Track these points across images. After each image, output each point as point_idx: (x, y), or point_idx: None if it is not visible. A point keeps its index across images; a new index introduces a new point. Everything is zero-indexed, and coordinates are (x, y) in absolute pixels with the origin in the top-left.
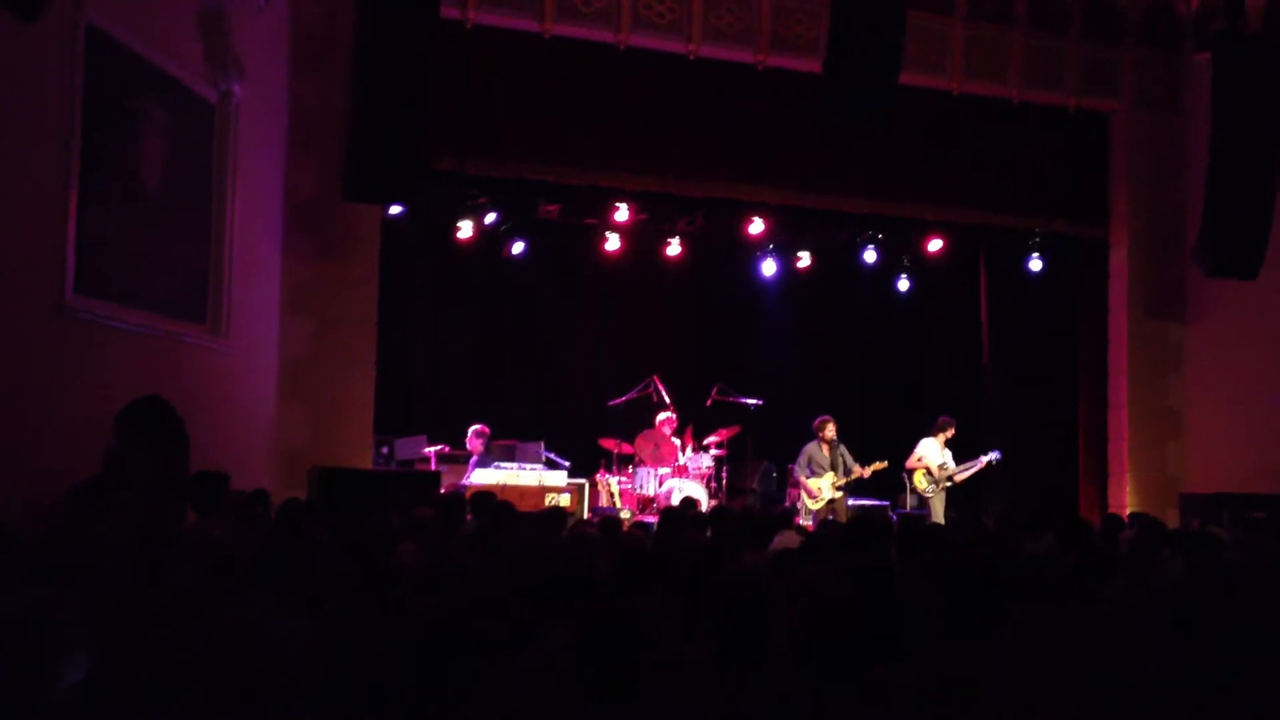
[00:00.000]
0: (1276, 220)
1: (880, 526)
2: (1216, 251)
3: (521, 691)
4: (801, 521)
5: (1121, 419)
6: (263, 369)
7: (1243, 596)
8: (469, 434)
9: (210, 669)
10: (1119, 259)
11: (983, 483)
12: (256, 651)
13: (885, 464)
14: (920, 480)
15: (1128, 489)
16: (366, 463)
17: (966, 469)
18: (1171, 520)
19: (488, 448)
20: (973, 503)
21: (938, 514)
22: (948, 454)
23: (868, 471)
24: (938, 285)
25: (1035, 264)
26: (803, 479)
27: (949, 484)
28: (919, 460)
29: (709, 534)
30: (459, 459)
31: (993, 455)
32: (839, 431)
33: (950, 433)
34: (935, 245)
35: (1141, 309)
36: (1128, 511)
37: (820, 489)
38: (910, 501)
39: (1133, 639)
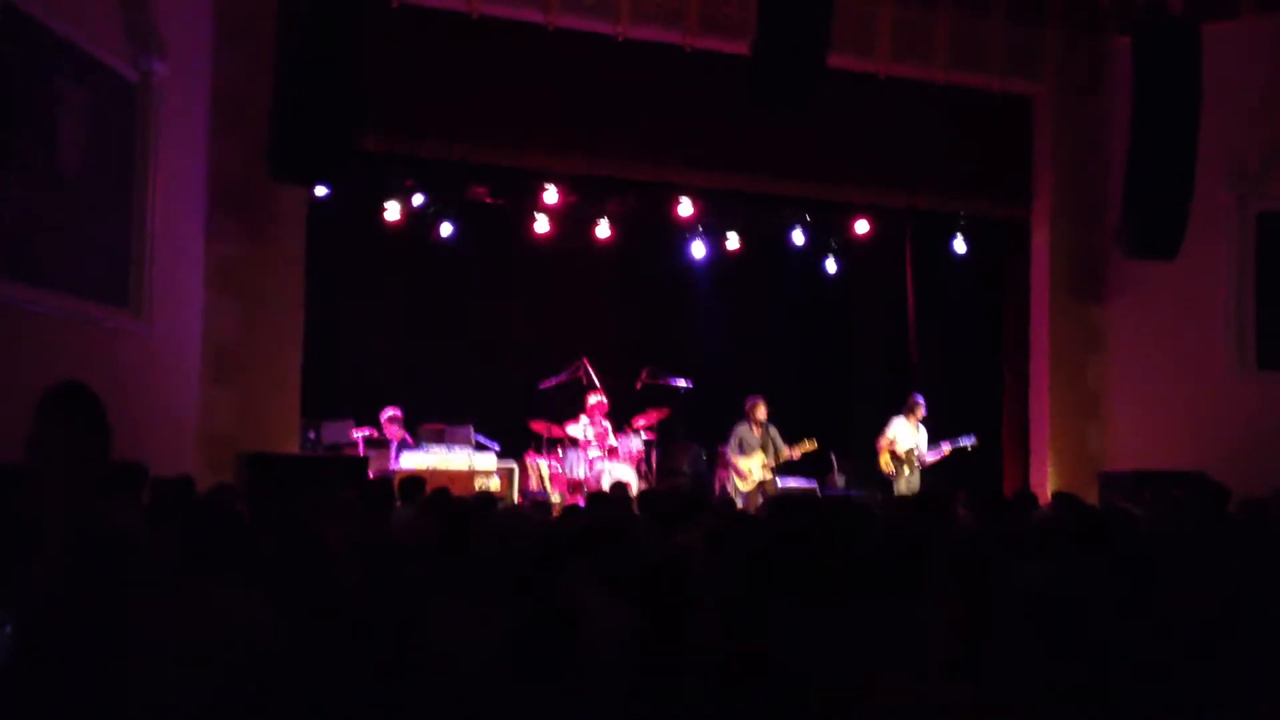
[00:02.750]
0: (1195, 201)
1: (804, 506)
2: (1137, 232)
3: (452, 666)
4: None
5: (1043, 398)
6: (186, 352)
7: (1160, 571)
8: (383, 420)
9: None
10: (1041, 240)
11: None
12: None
13: (814, 444)
14: (886, 462)
15: (1049, 468)
16: (294, 447)
17: (936, 453)
18: (1092, 498)
19: (415, 431)
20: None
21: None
22: (922, 434)
23: (796, 453)
24: (865, 267)
25: (960, 245)
26: (733, 459)
27: (919, 466)
28: (890, 442)
29: (638, 515)
30: (387, 443)
31: (965, 440)
32: (769, 413)
33: (921, 412)
34: (862, 227)
35: (1063, 289)
36: (1049, 489)
37: (750, 470)
38: (839, 481)
39: (1050, 614)
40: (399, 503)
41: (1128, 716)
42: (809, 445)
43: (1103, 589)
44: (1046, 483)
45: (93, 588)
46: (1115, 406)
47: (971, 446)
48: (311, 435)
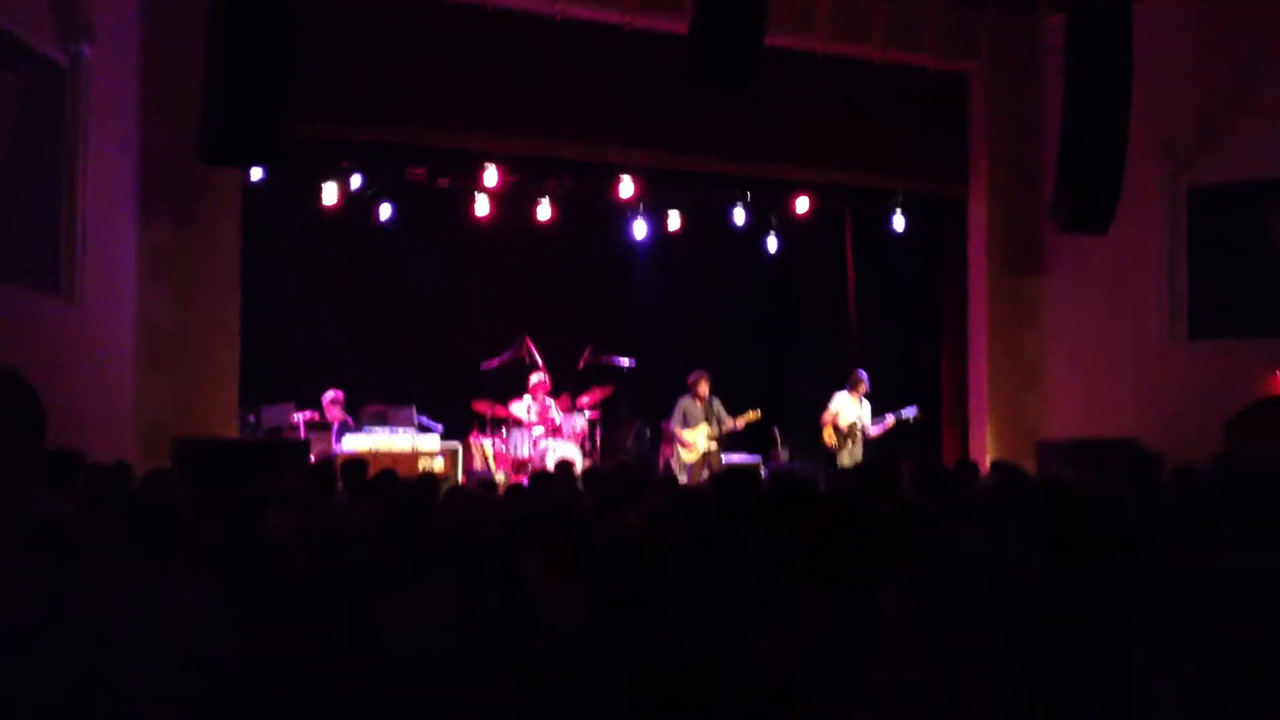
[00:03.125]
0: (1128, 176)
1: (748, 482)
2: (1070, 207)
3: (402, 651)
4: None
5: (981, 370)
6: (121, 338)
7: (1098, 538)
8: (324, 403)
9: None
10: (978, 215)
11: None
12: (167, 625)
13: (758, 414)
14: (829, 435)
15: (988, 438)
16: (233, 432)
17: (879, 425)
18: (1030, 467)
19: (358, 413)
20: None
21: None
22: (866, 408)
23: (740, 423)
24: (806, 244)
25: (899, 222)
26: (678, 431)
27: (863, 439)
28: (834, 416)
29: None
30: (328, 426)
31: (907, 412)
32: (712, 388)
33: (864, 387)
34: (803, 205)
35: (999, 263)
36: (988, 459)
37: (695, 441)
38: (783, 455)
39: (993, 586)
40: (340, 486)
41: (1083, 688)
42: (752, 415)
43: (1042, 558)
44: (986, 453)
45: (30, 579)
46: (1052, 377)
47: (914, 418)
48: (251, 420)
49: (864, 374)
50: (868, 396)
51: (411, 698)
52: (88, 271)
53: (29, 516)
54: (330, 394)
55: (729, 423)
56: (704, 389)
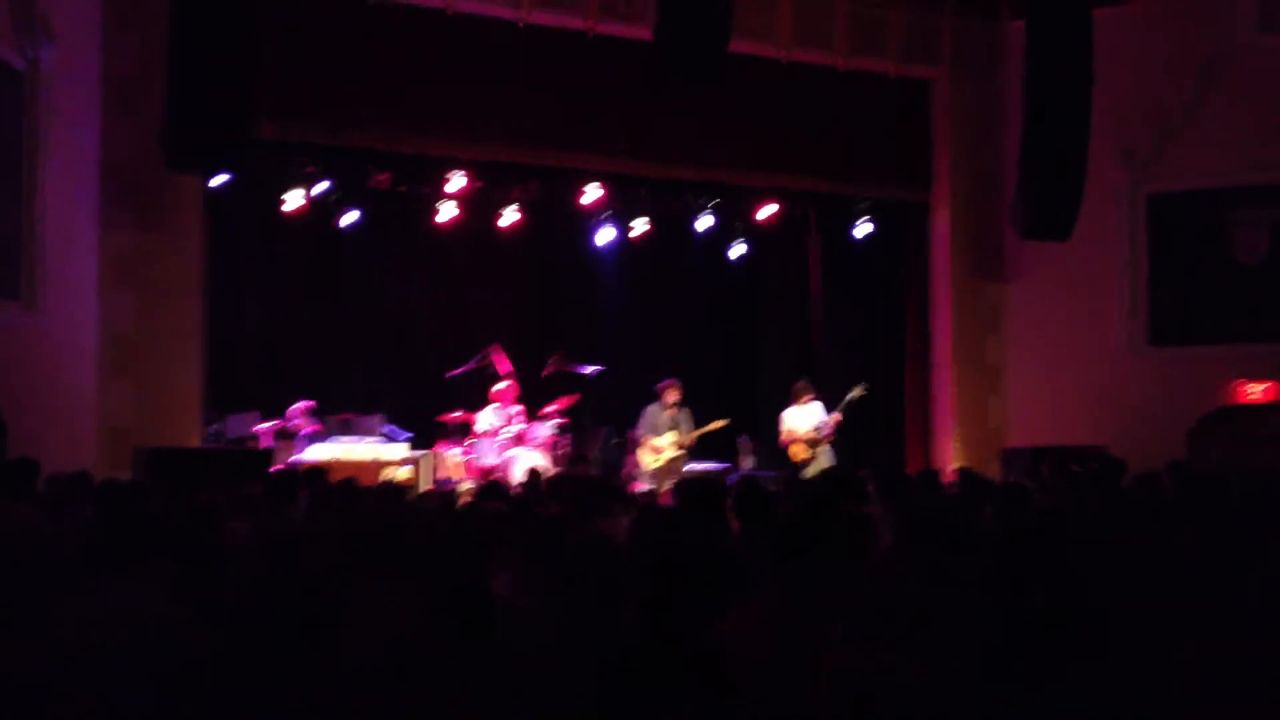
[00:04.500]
0: (1089, 183)
1: (717, 489)
2: (1032, 213)
3: (365, 660)
4: (641, 485)
5: (945, 377)
6: (83, 345)
7: (1056, 544)
8: (294, 411)
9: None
10: (941, 222)
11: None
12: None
13: (726, 421)
14: (796, 452)
15: (952, 445)
16: (195, 440)
17: (827, 426)
18: (994, 474)
19: (323, 421)
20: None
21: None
22: (816, 411)
23: (693, 437)
24: (771, 250)
25: (863, 228)
26: (644, 438)
27: (827, 441)
28: (790, 434)
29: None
30: (294, 435)
31: (852, 393)
32: (681, 398)
33: (808, 396)
34: (767, 211)
35: (963, 270)
36: (953, 466)
37: (661, 447)
38: (749, 464)
39: (957, 589)
40: (304, 493)
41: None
42: (718, 424)
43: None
44: (950, 459)
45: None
46: (1014, 383)
47: (862, 391)
48: (215, 428)
49: (803, 383)
50: (816, 398)
51: (373, 705)
52: (48, 277)
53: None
54: (302, 404)
55: (691, 436)
56: (671, 397)
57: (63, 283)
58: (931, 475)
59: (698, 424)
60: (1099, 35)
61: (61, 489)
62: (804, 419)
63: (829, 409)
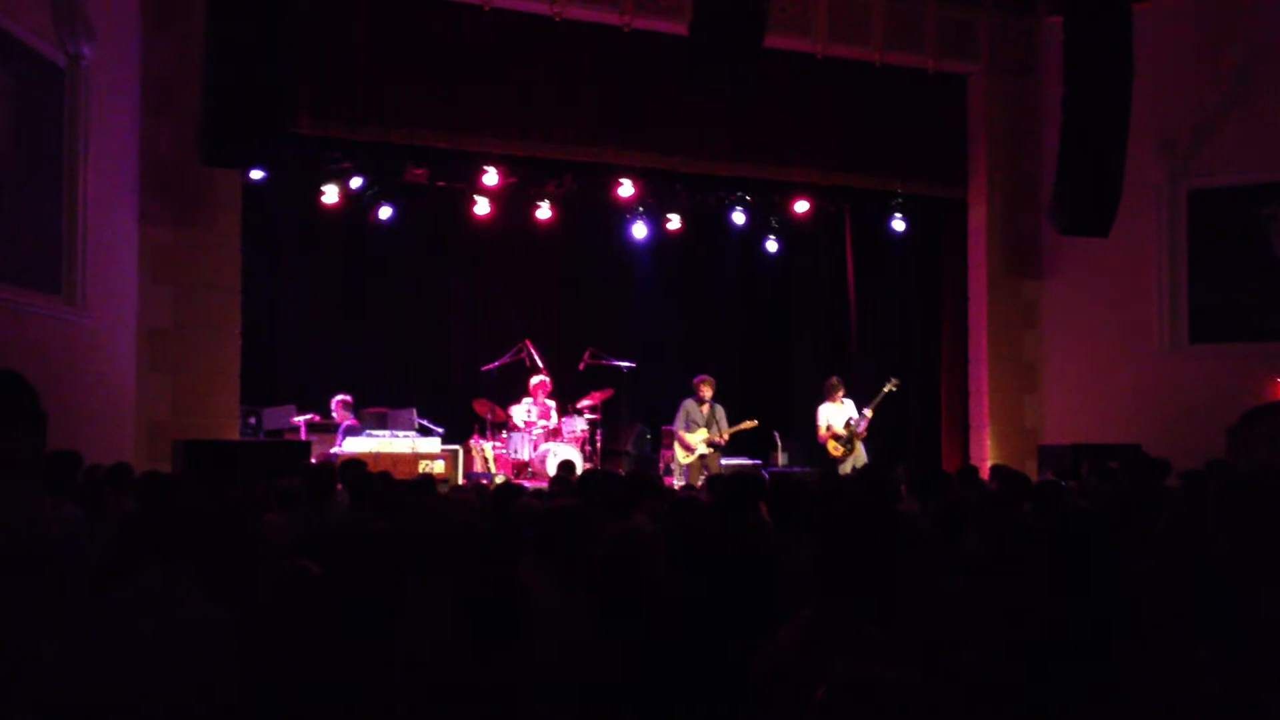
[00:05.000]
0: (1127, 178)
1: (751, 485)
2: (1070, 209)
3: (401, 654)
4: (675, 480)
5: (981, 373)
6: (122, 339)
7: (1094, 542)
8: (334, 404)
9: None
10: (978, 218)
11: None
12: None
13: (755, 423)
14: (833, 447)
15: (988, 441)
16: (233, 434)
17: (862, 421)
18: (1030, 471)
19: (358, 415)
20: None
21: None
22: (849, 407)
23: (727, 435)
24: (805, 246)
25: (898, 224)
26: (680, 433)
27: (861, 437)
28: (827, 429)
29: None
30: (329, 428)
31: (885, 388)
32: (715, 393)
33: (842, 391)
34: (801, 207)
35: (999, 266)
36: (989, 463)
37: (695, 444)
38: (782, 459)
39: (994, 586)
40: (340, 487)
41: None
42: (748, 424)
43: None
44: (987, 456)
45: (30, 581)
46: (1051, 380)
47: (893, 386)
48: (252, 421)
49: (835, 379)
50: (847, 395)
51: (410, 703)
52: (88, 273)
53: (34, 524)
54: (340, 396)
55: (727, 432)
56: (706, 392)
57: (102, 278)
58: (971, 471)
59: (730, 420)
60: (1137, 30)
61: (98, 483)
62: (838, 415)
63: (860, 405)
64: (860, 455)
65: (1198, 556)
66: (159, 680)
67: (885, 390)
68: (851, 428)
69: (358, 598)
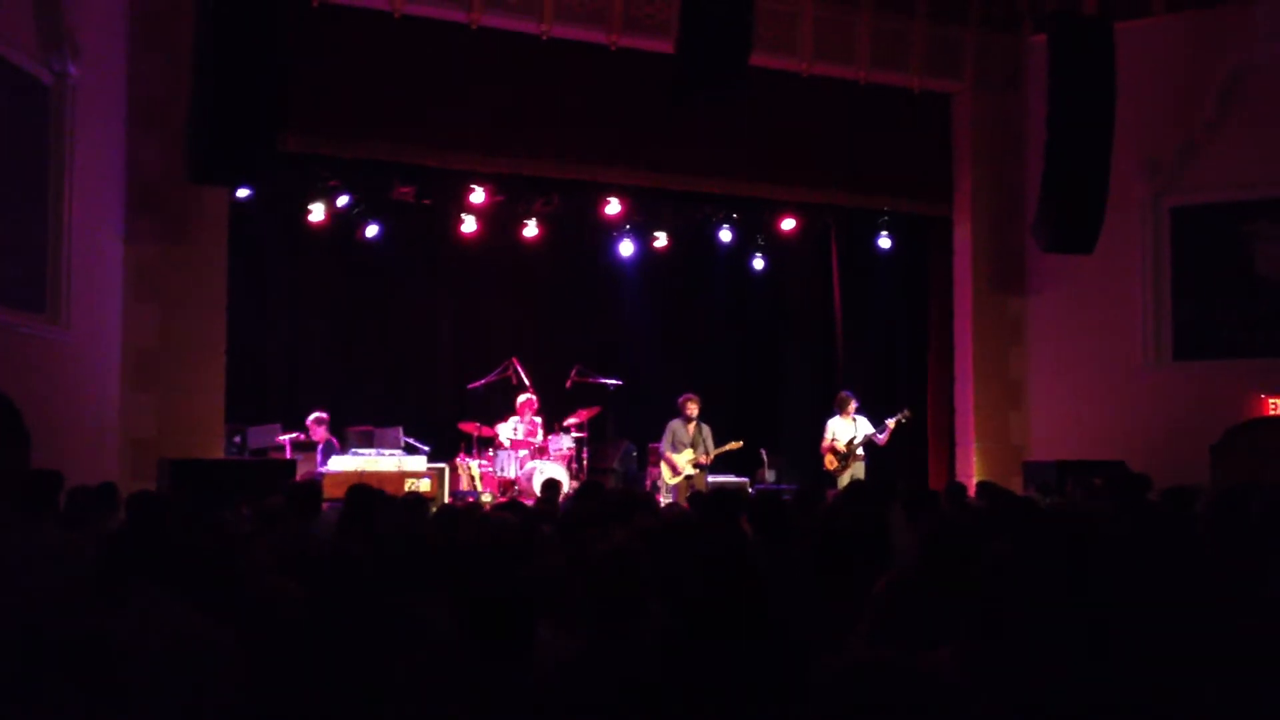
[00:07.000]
0: (1111, 196)
1: (733, 500)
2: (1054, 227)
3: (403, 670)
4: (661, 499)
5: (967, 390)
6: (107, 357)
7: (1080, 556)
8: (309, 422)
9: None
10: (963, 235)
11: None
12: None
13: (740, 444)
14: (830, 461)
15: (974, 458)
16: (218, 452)
17: (884, 431)
18: (1017, 487)
19: (343, 434)
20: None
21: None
22: (860, 424)
23: (710, 458)
24: (792, 264)
25: (884, 242)
26: (666, 453)
27: (861, 456)
28: (832, 440)
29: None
30: (314, 446)
31: (892, 420)
32: (700, 411)
33: (853, 406)
34: (788, 225)
35: (985, 283)
36: (975, 480)
37: (681, 464)
38: (769, 476)
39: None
40: (326, 507)
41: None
42: (733, 446)
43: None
44: (973, 473)
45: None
46: (1036, 397)
47: (905, 417)
48: (237, 440)
49: (849, 394)
50: (859, 412)
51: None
52: (73, 290)
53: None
54: (315, 414)
55: (713, 452)
56: (692, 410)
57: (87, 296)
58: (959, 489)
59: (716, 439)
60: (1120, 49)
61: (81, 503)
62: (845, 430)
63: (873, 423)
64: (858, 473)
65: (1181, 570)
66: (167, 699)
67: (898, 418)
68: (852, 447)
69: (342, 618)
